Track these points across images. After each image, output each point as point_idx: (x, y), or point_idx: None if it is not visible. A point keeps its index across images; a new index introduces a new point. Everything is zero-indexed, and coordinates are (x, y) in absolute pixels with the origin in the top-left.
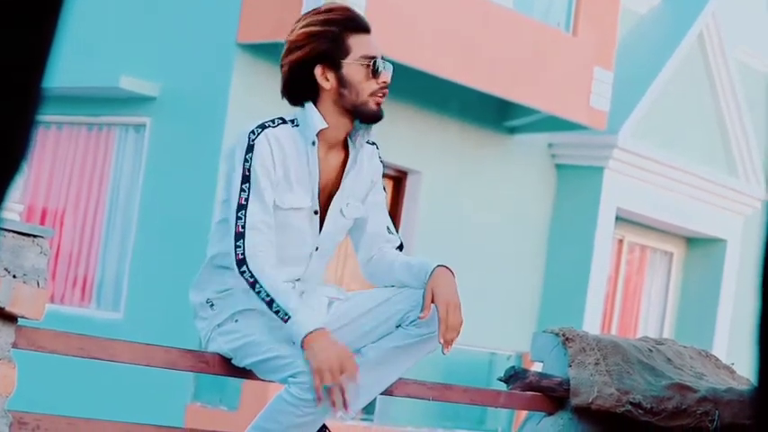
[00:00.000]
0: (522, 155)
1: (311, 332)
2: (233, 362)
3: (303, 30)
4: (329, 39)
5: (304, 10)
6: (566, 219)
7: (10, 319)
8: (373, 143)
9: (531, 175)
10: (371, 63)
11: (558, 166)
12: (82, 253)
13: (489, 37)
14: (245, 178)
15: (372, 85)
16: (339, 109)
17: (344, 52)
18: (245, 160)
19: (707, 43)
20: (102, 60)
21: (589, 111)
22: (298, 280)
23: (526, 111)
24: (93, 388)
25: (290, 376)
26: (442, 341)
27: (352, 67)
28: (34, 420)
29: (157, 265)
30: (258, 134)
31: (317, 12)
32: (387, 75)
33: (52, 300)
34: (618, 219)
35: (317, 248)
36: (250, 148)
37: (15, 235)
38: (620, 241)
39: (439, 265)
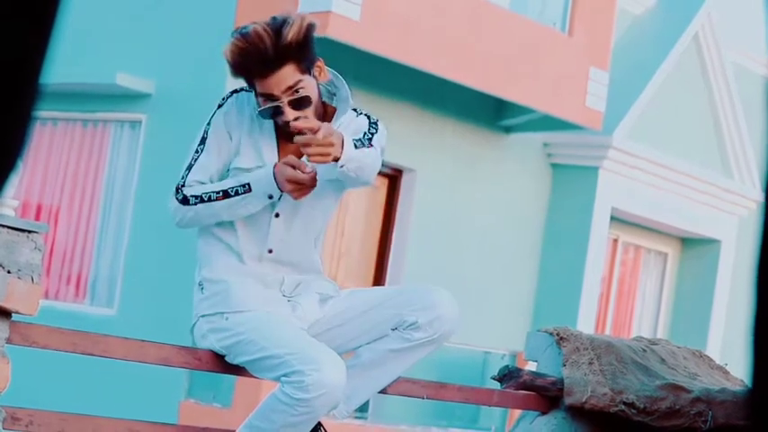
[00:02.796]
0: (517, 154)
1: (272, 168)
2: (226, 359)
3: (249, 30)
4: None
5: (300, 8)
6: (560, 218)
7: (4, 314)
8: (363, 113)
9: (526, 175)
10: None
11: (554, 166)
12: (76, 249)
13: (485, 36)
14: (202, 140)
15: (274, 118)
16: None
17: (252, 83)
18: (208, 123)
19: (702, 44)
20: (97, 57)
21: (584, 111)
22: (270, 251)
23: (521, 110)
24: (87, 384)
25: (284, 375)
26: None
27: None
28: (27, 416)
29: (151, 261)
30: (227, 98)
31: (269, 26)
32: (287, 113)
33: (46, 295)
34: (612, 219)
35: (277, 215)
36: (215, 112)
37: (10, 230)
38: (615, 241)
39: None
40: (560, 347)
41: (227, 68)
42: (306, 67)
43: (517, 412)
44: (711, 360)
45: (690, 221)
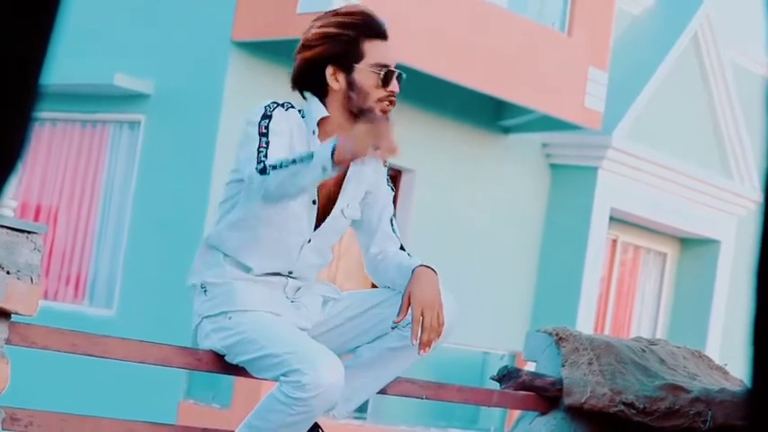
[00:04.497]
0: (516, 154)
1: (334, 149)
2: (226, 359)
3: (319, 30)
4: (343, 42)
5: (299, 8)
6: (559, 218)
7: (3, 314)
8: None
9: (525, 175)
10: (383, 72)
11: (553, 166)
12: (75, 250)
13: (484, 36)
14: (264, 134)
15: (380, 93)
16: (345, 111)
17: (358, 57)
18: (262, 121)
19: (701, 44)
20: (96, 57)
21: (583, 111)
22: (290, 273)
23: (521, 110)
24: (86, 385)
25: (282, 375)
26: (415, 341)
27: (364, 73)
28: (27, 416)
29: (151, 262)
30: (274, 108)
31: (335, 13)
32: (396, 85)
33: (45, 296)
34: (612, 219)
35: (309, 241)
36: (267, 117)
37: (9, 231)
38: (614, 241)
39: (420, 266)
40: (559, 348)
41: (225, 69)
42: None
43: (516, 412)
44: (711, 360)
45: (689, 222)
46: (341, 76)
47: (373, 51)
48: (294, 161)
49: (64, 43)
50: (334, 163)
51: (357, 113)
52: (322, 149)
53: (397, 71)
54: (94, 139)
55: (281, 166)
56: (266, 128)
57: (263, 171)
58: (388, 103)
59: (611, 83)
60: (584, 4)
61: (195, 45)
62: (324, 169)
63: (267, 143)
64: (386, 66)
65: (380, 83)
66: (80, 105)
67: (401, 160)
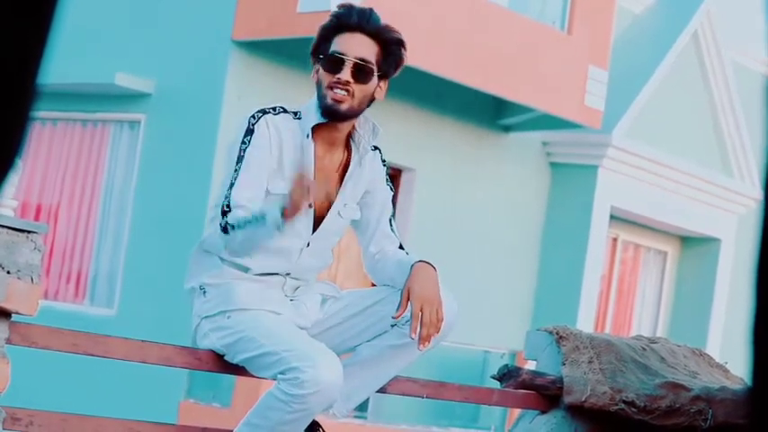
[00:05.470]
0: (516, 153)
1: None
2: (226, 358)
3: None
4: (320, 37)
5: (299, 8)
6: (560, 217)
7: (4, 314)
8: (376, 147)
9: (525, 174)
10: (323, 56)
11: (553, 165)
12: (76, 249)
13: (484, 35)
14: (240, 159)
15: (329, 79)
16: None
17: (326, 49)
18: (243, 142)
19: (702, 42)
20: (97, 57)
21: (584, 109)
22: (288, 274)
23: (521, 109)
24: (87, 384)
25: (280, 373)
26: (414, 336)
27: (322, 63)
28: (27, 416)
29: (151, 261)
30: (258, 119)
31: None
32: (347, 72)
33: (46, 296)
34: (612, 217)
35: (308, 244)
36: (249, 132)
37: (9, 231)
38: (615, 240)
39: (419, 261)
40: (560, 346)
41: (226, 68)
42: (381, 66)
43: (517, 411)
44: (711, 358)
45: (689, 220)
46: (317, 72)
47: (337, 42)
48: (250, 221)
49: (64, 43)
50: (285, 220)
51: (319, 104)
52: (272, 210)
53: (348, 58)
54: (95, 139)
55: (239, 227)
56: (244, 151)
57: (225, 230)
58: (336, 90)
59: (612, 81)
60: (585, 3)
61: (196, 44)
62: (277, 227)
63: (235, 178)
64: (334, 52)
65: (324, 69)
66: (80, 105)
67: (401, 159)
